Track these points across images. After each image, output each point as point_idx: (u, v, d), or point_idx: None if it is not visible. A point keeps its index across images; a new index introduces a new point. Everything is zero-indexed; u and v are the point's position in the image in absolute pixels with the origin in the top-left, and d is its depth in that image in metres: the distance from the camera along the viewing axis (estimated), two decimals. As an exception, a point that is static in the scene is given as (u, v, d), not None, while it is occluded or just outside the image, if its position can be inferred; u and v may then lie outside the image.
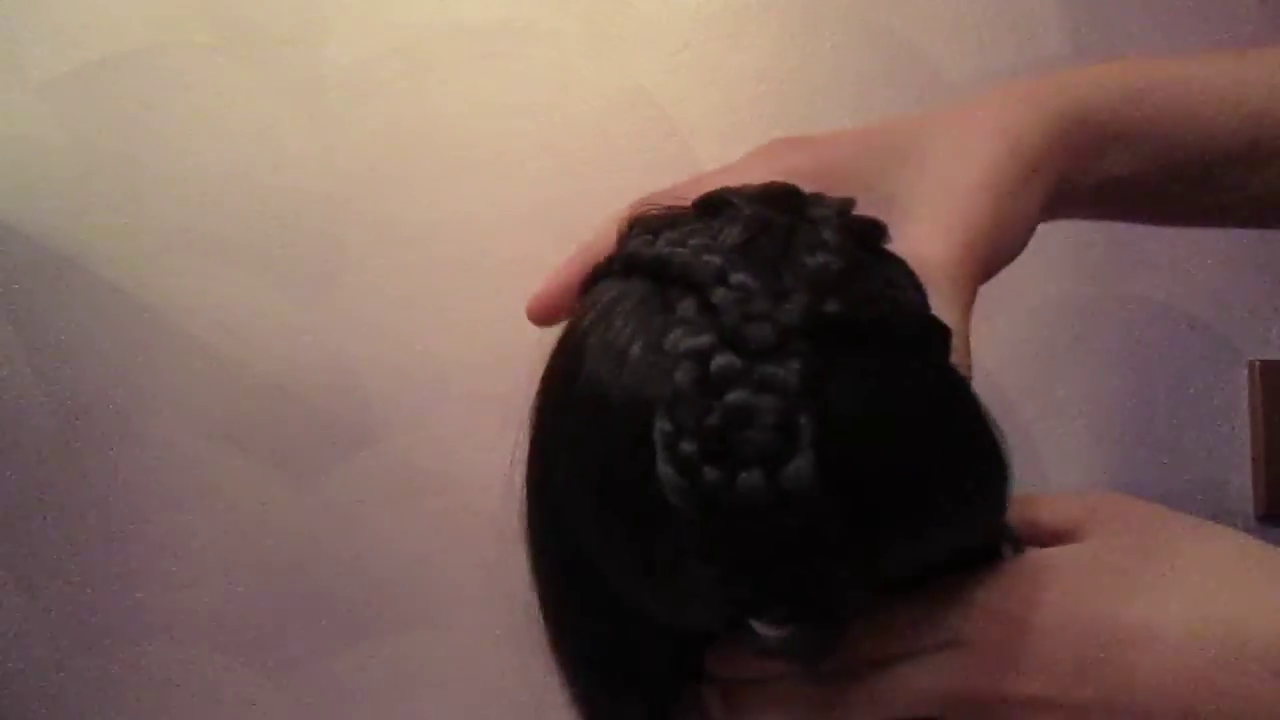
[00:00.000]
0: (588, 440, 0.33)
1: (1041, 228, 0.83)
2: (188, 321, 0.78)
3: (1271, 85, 0.41)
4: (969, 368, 0.34)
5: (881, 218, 0.33)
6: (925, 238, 0.35)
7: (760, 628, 0.33)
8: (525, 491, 0.37)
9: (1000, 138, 0.37)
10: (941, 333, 0.32)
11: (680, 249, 0.32)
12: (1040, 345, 0.75)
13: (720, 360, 0.30)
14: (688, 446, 0.29)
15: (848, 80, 0.78)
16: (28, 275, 0.79)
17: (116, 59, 0.80)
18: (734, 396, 0.29)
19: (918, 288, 0.33)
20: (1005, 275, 0.78)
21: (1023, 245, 0.39)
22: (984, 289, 0.80)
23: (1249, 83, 0.42)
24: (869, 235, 0.33)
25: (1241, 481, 0.76)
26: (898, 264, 0.34)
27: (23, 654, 0.77)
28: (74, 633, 0.77)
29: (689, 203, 0.35)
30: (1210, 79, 0.42)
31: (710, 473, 0.29)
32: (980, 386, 0.33)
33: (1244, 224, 0.48)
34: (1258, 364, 0.76)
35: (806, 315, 0.30)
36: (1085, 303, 0.76)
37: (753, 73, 0.78)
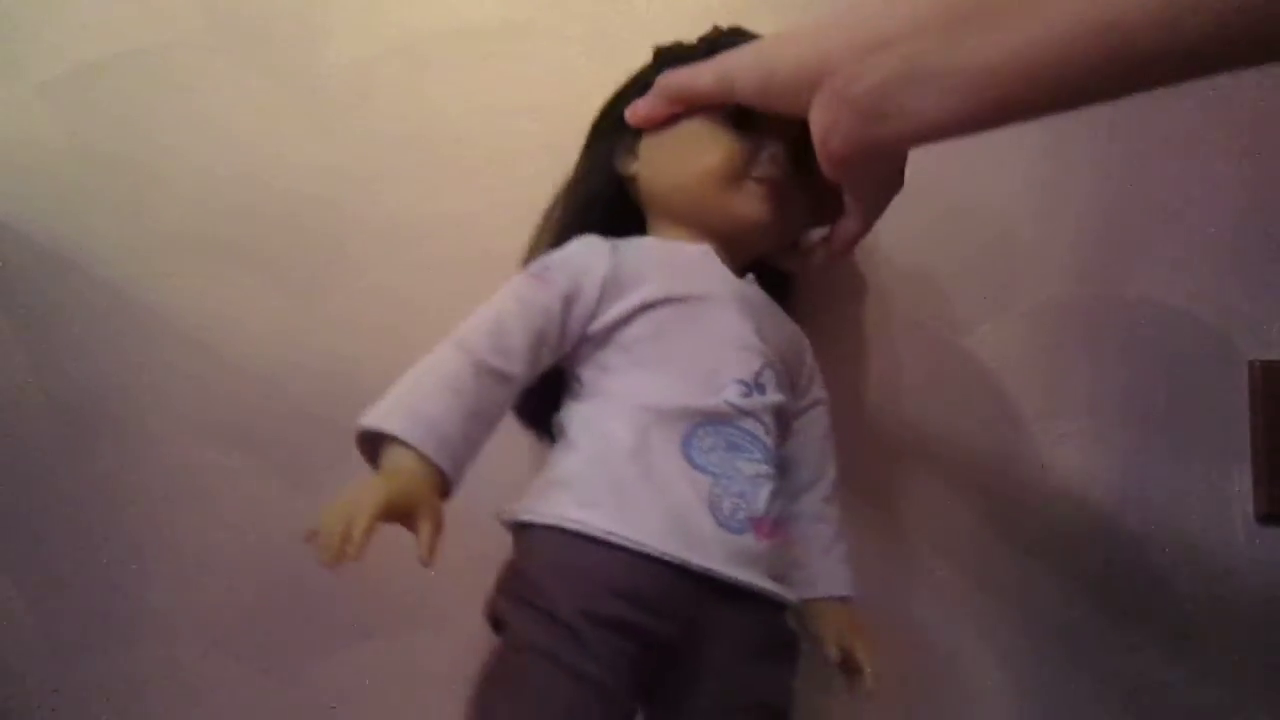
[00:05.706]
0: None
1: (1040, 229, 0.82)
2: (188, 321, 0.78)
3: None
4: None
5: None
6: None
7: None
8: None
9: None
10: None
11: None
12: (1041, 345, 0.75)
13: None
14: None
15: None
16: (28, 275, 0.79)
17: (116, 59, 0.80)
18: None
19: None
20: (1005, 275, 0.77)
21: None
22: (984, 288, 0.80)
23: None
24: None
25: (1242, 481, 0.76)
26: None
27: (23, 654, 0.77)
28: (74, 633, 0.77)
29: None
30: None
31: None
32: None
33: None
34: (1258, 364, 0.76)
35: None
36: (1085, 303, 0.76)
37: (753, 73, 0.78)
